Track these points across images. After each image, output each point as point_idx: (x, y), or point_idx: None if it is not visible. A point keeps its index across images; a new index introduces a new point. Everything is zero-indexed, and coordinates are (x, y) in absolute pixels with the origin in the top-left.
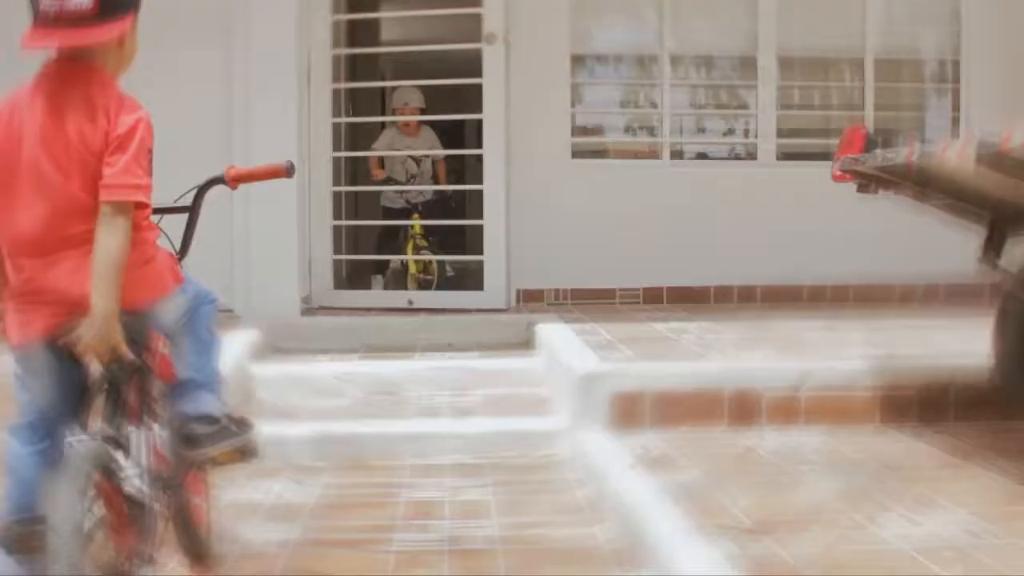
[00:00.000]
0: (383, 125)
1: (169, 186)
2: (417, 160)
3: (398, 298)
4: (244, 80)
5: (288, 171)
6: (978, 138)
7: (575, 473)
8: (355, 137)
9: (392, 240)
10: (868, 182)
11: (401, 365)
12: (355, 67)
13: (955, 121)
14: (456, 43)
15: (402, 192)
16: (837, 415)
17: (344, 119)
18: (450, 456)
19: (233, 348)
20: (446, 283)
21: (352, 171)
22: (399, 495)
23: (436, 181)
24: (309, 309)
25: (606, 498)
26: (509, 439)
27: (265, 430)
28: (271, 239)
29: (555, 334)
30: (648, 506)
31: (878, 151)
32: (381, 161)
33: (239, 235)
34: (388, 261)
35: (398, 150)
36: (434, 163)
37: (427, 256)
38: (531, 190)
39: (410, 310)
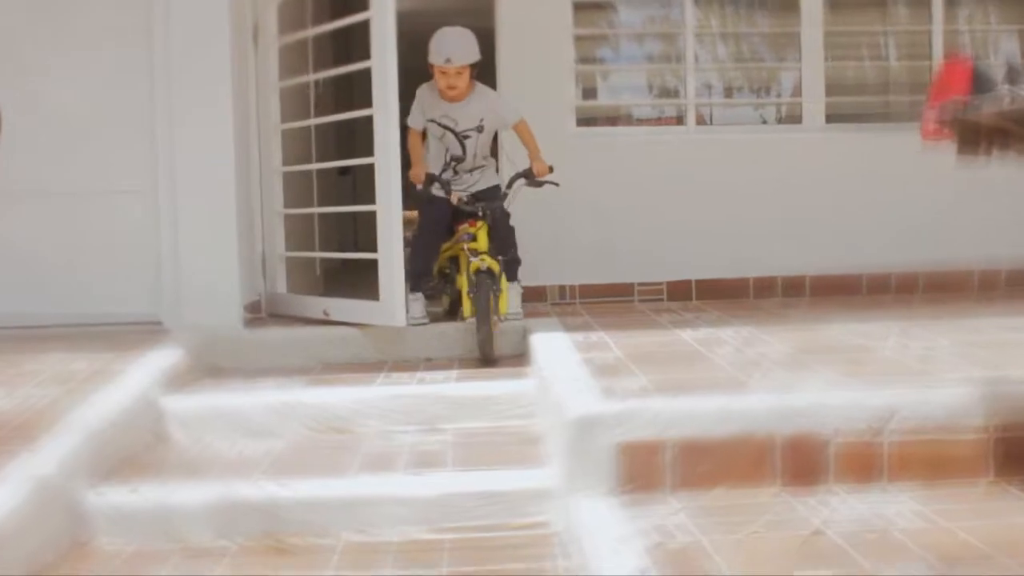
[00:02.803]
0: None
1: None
2: (462, 137)
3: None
4: (164, 35)
5: None
6: None
7: (569, 560)
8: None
9: (434, 249)
10: (977, 140)
11: (358, 393)
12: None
13: None
14: None
15: (443, 185)
16: (934, 468)
17: (308, 79)
18: (399, 528)
19: (138, 375)
20: None
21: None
22: None
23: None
24: (255, 319)
25: None
26: (481, 503)
27: (152, 496)
28: (206, 231)
29: (551, 349)
30: None
31: (1004, 88)
32: (423, 140)
33: (166, 226)
34: (435, 273)
35: (438, 122)
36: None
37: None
38: (525, 164)
39: None
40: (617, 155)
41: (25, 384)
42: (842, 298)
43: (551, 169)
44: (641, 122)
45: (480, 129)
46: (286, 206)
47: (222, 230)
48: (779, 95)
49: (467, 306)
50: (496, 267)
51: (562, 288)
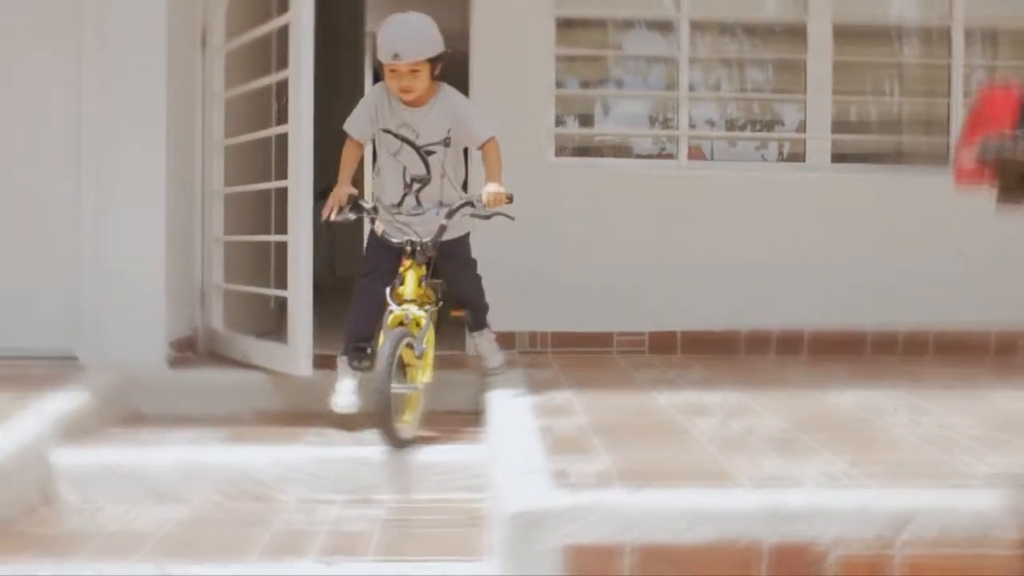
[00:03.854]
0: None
1: None
2: (424, 153)
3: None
4: (94, 37)
5: None
6: None
7: None
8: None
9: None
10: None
11: (282, 453)
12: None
13: None
14: None
15: (398, 215)
16: None
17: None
18: None
19: (28, 423)
20: None
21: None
22: None
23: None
24: (183, 358)
25: None
26: None
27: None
28: (131, 256)
29: (507, 411)
30: None
31: None
32: (360, 158)
33: (86, 247)
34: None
35: (395, 133)
36: (465, 154)
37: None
38: None
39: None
40: (599, 189)
41: None
42: (843, 358)
43: (510, 199)
44: (627, 154)
45: (447, 142)
46: (240, 231)
47: (148, 255)
48: (781, 130)
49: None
50: (420, 322)
51: (533, 335)
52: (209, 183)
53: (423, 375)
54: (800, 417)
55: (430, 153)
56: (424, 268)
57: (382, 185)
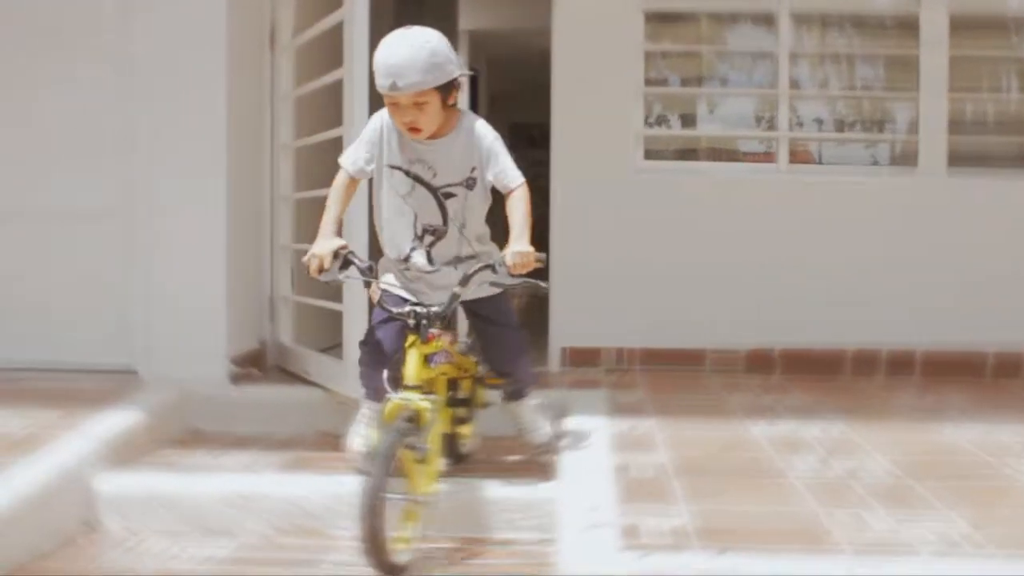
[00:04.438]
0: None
1: None
2: (442, 195)
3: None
4: (148, 37)
5: None
6: None
7: None
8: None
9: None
10: None
11: (338, 484)
12: None
13: None
14: None
15: (405, 270)
16: None
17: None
18: None
19: (73, 445)
20: None
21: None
22: None
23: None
24: (245, 374)
25: None
26: None
27: None
28: (190, 267)
29: (583, 444)
30: None
31: None
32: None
33: (142, 258)
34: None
35: (406, 170)
36: (496, 199)
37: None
38: (582, 205)
39: None
40: (692, 194)
41: None
42: (960, 381)
43: (539, 261)
44: (722, 157)
45: (470, 184)
46: (312, 238)
47: (208, 266)
48: (892, 130)
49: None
50: (424, 416)
51: (619, 352)
52: (277, 188)
53: (426, 483)
54: (911, 457)
55: (449, 196)
56: (441, 339)
57: (386, 235)
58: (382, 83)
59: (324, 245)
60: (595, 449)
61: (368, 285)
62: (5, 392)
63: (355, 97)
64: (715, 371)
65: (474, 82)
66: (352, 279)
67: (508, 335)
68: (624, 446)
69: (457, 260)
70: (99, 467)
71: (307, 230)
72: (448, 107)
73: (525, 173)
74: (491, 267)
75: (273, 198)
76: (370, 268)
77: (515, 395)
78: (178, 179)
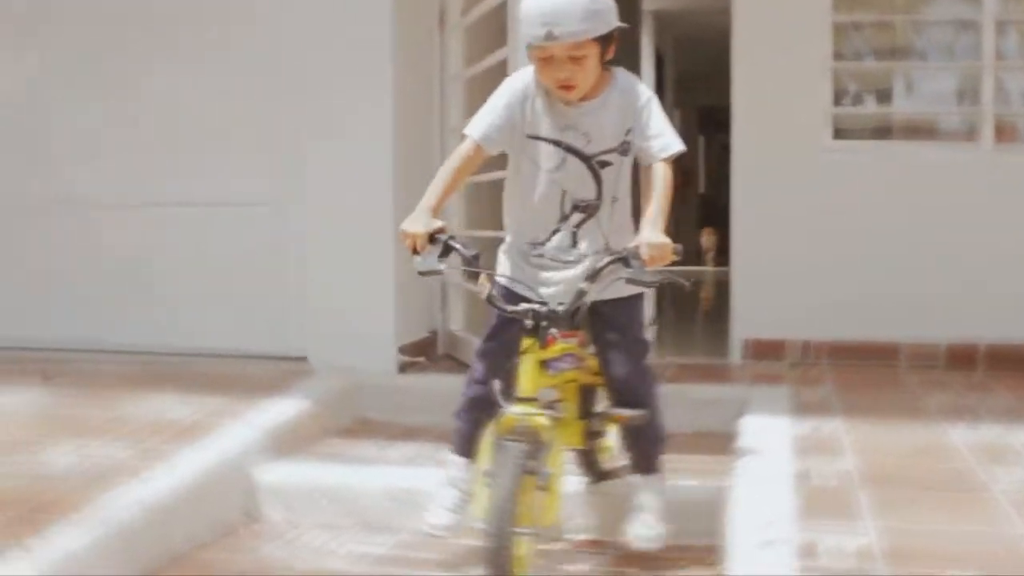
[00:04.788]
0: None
1: None
2: (597, 164)
3: None
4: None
5: None
6: None
7: None
8: None
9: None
10: None
11: None
12: None
13: None
14: None
15: (536, 256)
16: None
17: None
18: None
19: (237, 434)
20: None
21: None
22: None
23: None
24: (412, 363)
25: None
26: None
27: None
28: (356, 254)
29: (760, 446)
30: None
31: None
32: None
33: (310, 245)
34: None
35: (553, 140)
36: (638, 174)
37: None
38: (765, 188)
39: None
40: (885, 177)
41: (104, 435)
42: None
43: (676, 253)
44: (918, 135)
45: (624, 149)
46: (484, 224)
47: (377, 254)
48: None
49: (479, 503)
50: (543, 434)
51: (806, 345)
52: None
53: (551, 514)
54: None
55: (604, 165)
56: (565, 342)
57: (522, 217)
58: (535, 33)
59: (419, 222)
60: (774, 452)
61: (473, 277)
62: (177, 378)
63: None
64: (911, 367)
65: (659, 63)
66: (453, 270)
67: (635, 358)
68: (806, 450)
69: (605, 248)
70: (262, 457)
71: (479, 216)
72: (602, 65)
73: (715, 160)
74: (623, 259)
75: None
76: (476, 257)
77: (644, 464)
78: (345, 166)
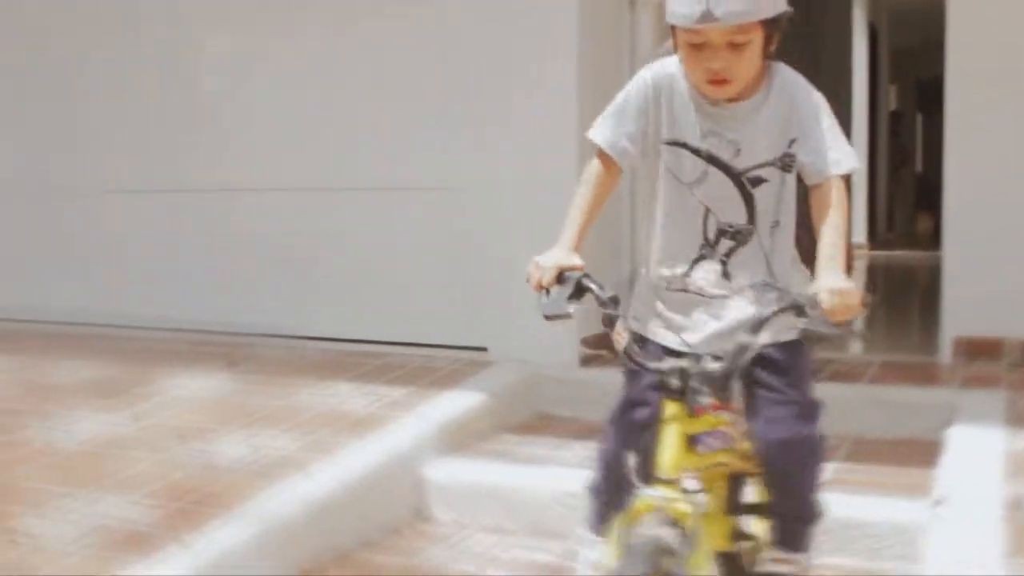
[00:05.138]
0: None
1: None
2: (749, 181)
3: None
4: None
5: None
6: None
7: None
8: None
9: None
10: None
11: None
12: None
13: None
14: None
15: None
16: None
17: None
18: None
19: (409, 428)
20: None
21: None
22: None
23: (808, 255)
24: (595, 356)
25: None
26: None
27: None
28: (544, 246)
29: (965, 462)
30: None
31: None
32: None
33: (493, 232)
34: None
35: (692, 147)
36: (805, 193)
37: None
38: (984, 167)
39: None
40: None
41: (276, 425)
42: None
43: (864, 304)
44: None
45: (788, 164)
46: None
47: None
48: None
49: None
50: (686, 522)
51: None
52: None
53: None
54: None
55: (757, 183)
56: (717, 413)
57: (658, 243)
58: (687, 12)
59: (552, 257)
60: (983, 472)
61: (610, 324)
62: (356, 367)
63: None
64: None
65: (873, 37)
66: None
67: (800, 409)
68: (1022, 471)
69: (764, 284)
70: (434, 452)
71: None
72: (765, 57)
73: (935, 137)
74: (798, 308)
75: (632, 174)
76: (615, 300)
77: (790, 542)
78: (528, 152)
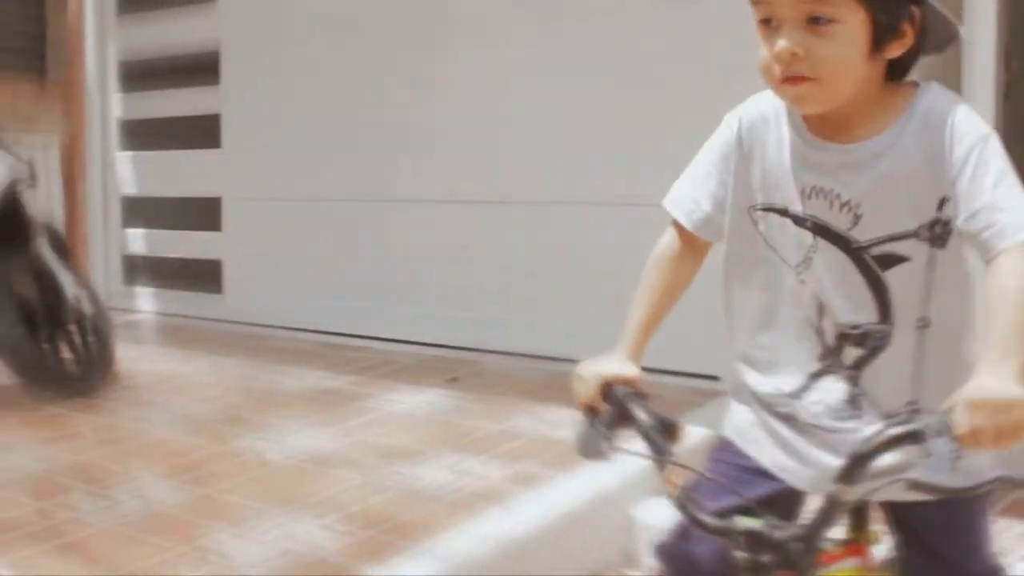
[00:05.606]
0: None
1: None
2: (872, 263)
3: None
4: None
5: None
6: None
7: None
8: None
9: None
10: None
11: None
12: None
13: None
14: None
15: (787, 415)
16: None
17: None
18: None
19: (620, 464)
20: None
21: None
22: None
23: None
24: None
25: None
26: None
27: None
28: None
29: None
30: None
31: None
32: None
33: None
34: None
35: (792, 212)
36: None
37: None
38: None
39: None
40: None
41: (485, 450)
42: None
43: None
44: None
45: (940, 234)
46: None
47: None
48: None
49: None
50: None
51: None
52: None
53: None
54: None
55: (891, 263)
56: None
57: (754, 348)
58: None
59: (597, 367)
60: None
61: (660, 463)
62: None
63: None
64: None
65: None
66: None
67: None
68: None
69: (910, 411)
70: (646, 491)
71: None
72: (877, 65)
73: None
74: (916, 434)
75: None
76: (666, 429)
77: None
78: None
